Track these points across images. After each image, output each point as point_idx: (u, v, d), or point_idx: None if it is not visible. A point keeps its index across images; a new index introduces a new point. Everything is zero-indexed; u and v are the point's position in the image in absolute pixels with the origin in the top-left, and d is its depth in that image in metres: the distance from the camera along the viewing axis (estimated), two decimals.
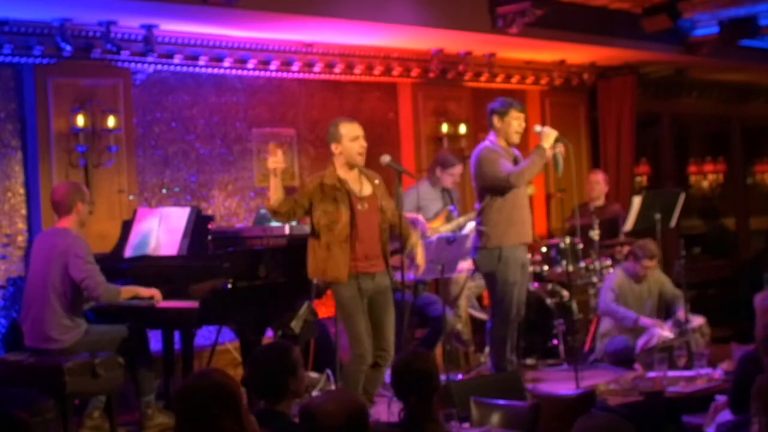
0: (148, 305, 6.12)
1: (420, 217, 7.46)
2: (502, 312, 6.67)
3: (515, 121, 6.69)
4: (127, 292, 6.05)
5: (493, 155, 6.62)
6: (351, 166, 5.89)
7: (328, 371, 6.75)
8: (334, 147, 5.89)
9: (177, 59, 7.52)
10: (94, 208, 6.99)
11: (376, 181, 6.01)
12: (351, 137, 5.86)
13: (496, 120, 6.72)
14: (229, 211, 8.12)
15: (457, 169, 7.74)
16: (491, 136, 6.76)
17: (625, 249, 8.52)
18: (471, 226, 7.15)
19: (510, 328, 6.71)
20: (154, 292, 6.10)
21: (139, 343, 6.21)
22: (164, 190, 7.76)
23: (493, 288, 6.77)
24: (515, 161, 6.73)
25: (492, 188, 6.65)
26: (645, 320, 7.55)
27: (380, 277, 5.94)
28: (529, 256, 6.89)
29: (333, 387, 6.51)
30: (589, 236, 8.20)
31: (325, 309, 7.26)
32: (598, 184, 9.22)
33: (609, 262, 8.48)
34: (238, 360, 7.07)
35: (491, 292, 6.89)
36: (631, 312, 7.61)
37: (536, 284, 8.26)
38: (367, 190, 5.95)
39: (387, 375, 6.31)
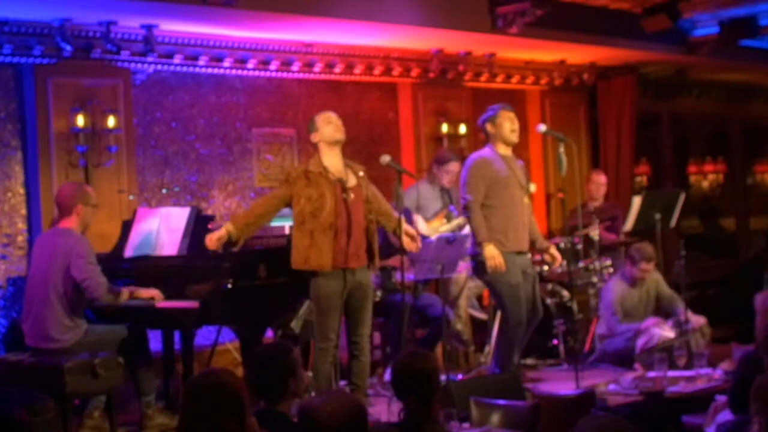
0: (148, 305, 6.12)
1: (419, 218, 7.46)
2: (509, 315, 6.62)
3: (507, 122, 6.71)
4: (127, 294, 6.06)
5: (479, 173, 6.63)
6: (333, 148, 6.00)
7: None
8: (312, 137, 6.08)
9: (177, 59, 7.52)
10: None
11: (360, 173, 6.09)
12: (325, 121, 6.04)
13: (489, 127, 6.75)
14: (229, 211, 8.12)
15: (453, 166, 7.73)
16: (488, 146, 6.78)
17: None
18: None
19: (519, 331, 6.66)
20: (154, 293, 6.11)
21: (139, 343, 6.21)
22: (164, 190, 7.76)
23: (495, 293, 6.76)
24: (512, 168, 6.70)
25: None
26: (647, 323, 7.55)
27: (361, 272, 5.98)
28: (528, 256, 6.87)
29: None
30: (589, 236, 8.20)
31: None
32: (603, 185, 9.21)
33: (609, 262, 8.47)
34: (238, 360, 7.07)
35: (495, 298, 6.87)
36: (632, 325, 7.60)
37: None
38: (352, 180, 6.03)
39: (387, 375, 6.32)
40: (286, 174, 6.09)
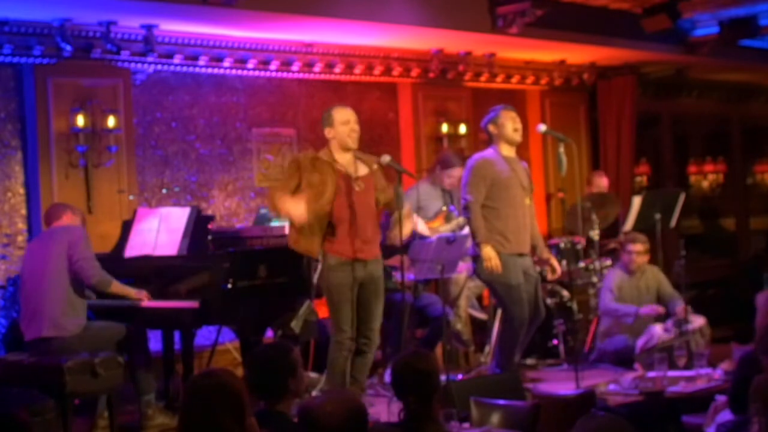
0: (133, 304, 6.13)
1: (419, 220, 7.45)
2: (510, 315, 6.62)
3: (509, 122, 6.71)
4: (117, 287, 6.05)
5: (480, 174, 6.62)
6: (345, 150, 5.97)
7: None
8: (327, 132, 6.00)
9: (177, 59, 7.53)
10: (93, 208, 7.04)
11: (374, 166, 6.07)
12: (342, 121, 5.95)
13: (492, 128, 6.74)
14: (229, 211, 8.12)
15: (456, 172, 7.70)
16: (492, 147, 6.78)
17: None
18: None
19: (521, 332, 6.65)
20: (142, 295, 6.13)
21: (139, 342, 6.21)
22: (164, 190, 7.77)
23: (496, 294, 6.75)
24: (514, 170, 6.70)
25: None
26: (645, 309, 7.58)
27: (373, 264, 5.96)
28: (530, 257, 6.86)
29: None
30: (589, 236, 8.20)
31: (325, 309, 7.25)
32: (605, 188, 9.19)
33: (609, 262, 8.48)
34: (238, 360, 7.07)
35: (496, 298, 6.87)
36: (631, 306, 7.63)
37: None
38: (362, 170, 6.01)
39: (387, 375, 6.31)
40: (297, 160, 6.02)
